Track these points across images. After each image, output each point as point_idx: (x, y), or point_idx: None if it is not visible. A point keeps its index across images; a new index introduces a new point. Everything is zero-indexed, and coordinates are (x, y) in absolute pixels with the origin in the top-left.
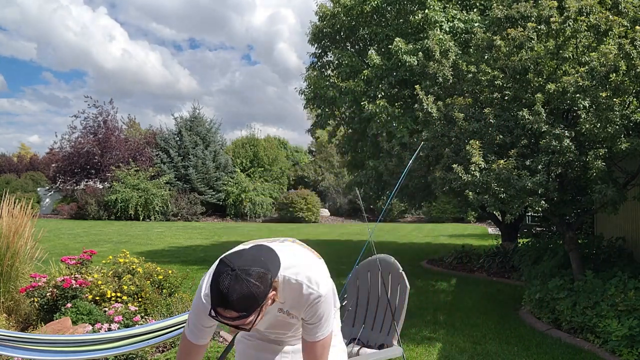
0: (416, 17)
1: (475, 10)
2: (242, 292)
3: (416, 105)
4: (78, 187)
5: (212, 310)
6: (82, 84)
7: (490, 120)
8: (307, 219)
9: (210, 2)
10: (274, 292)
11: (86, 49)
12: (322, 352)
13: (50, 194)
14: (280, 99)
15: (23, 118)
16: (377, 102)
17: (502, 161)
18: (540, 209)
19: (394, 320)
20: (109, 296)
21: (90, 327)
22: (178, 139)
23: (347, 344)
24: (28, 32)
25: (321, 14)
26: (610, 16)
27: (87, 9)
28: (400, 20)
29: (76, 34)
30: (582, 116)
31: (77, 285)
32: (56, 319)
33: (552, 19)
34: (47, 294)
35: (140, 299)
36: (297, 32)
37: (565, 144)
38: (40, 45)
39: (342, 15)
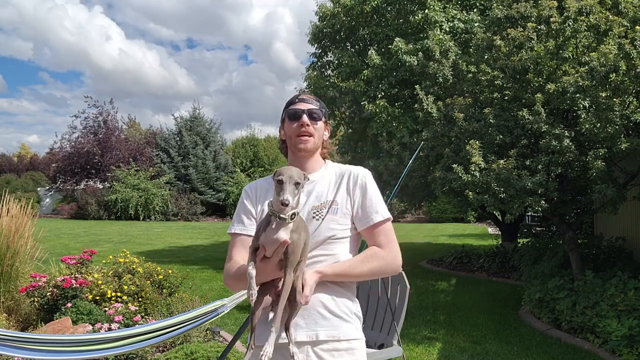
0: (416, 17)
1: (475, 10)
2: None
3: (416, 105)
4: (78, 187)
5: (292, 103)
6: (79, 84)
7: (490, 120)
8: None
9: (207, 2)
10: (327, 133)
11: (84, 49)
12: (389, 241)
13: (50, 193)
14: (279, 99)
15: (22, 118)
16: (377, 102)
17: (502, 161)
18: (540, 209)
19: (394, 320)
20: (109, 296)
21: (91, 327)
22: (178, 139)
23: None
24: (25, 32)
25: (321, 14)
26: (610, 16)
27: (84, 8)
28: (400, 20)
29: (73, 34)
30: (582, 116)
31: (77, 285)
32: (56, 318)
33: (552, 19)
34: (47, 294)
35: (140, 299)
36: (294, 31)
37: (565, 144)
38: (36, 45)
39: (342, 15)
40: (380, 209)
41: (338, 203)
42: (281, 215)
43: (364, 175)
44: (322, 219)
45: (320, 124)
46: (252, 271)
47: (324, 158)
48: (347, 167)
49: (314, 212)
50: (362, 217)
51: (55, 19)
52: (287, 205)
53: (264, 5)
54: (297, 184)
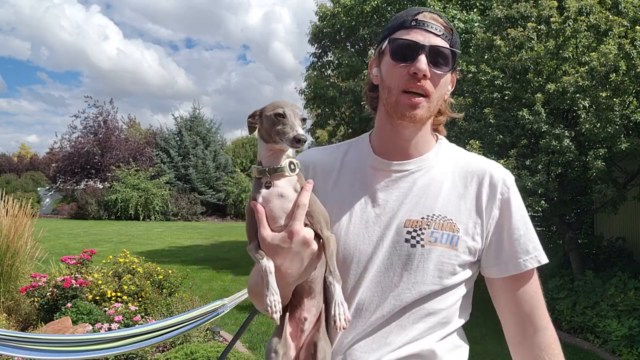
0: None
1: (475, 10)
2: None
3: None
4: (78, 187)
5: (403, 25)
6: (77, 84)
7: (490, 120)
8: None
9: (206, 2)
10: (451, 87)
11: (82, 49)
12: (543, 309)
13: (50, 193)
14: (278, 99)
15: (21, 118)
16: None
17: (502, 161)
18: (540, 209)
19: None
20: (109, 296)
21: (90, 327)
22: (178, 138)
23: None
24: (23, 31)
25: (321, 14)
26: (610, 16)
27: (81, 8)
28: None
29: (71, 34)
30: (582, 116)
31: (77, 285)
32: (56, 318)
33: (552, 19)
34: (47, 294)
35: (140, 299)
36: (292, 31)
37: (565, 144)
38: (34, 45)
39: (342, 15)
40: (531, 247)
41: (460, 228)
42: (285, 166)
43: (505, 183)
44: (423, 247)
45: (447, 74)
46: (269, 263)
47: (435, 130)
48: (479, 162)
49: (407, 232)
50: (502, 256)
51: (52, 19)
52: (303, 141)
53: (262, 5)
54: (303, 119)
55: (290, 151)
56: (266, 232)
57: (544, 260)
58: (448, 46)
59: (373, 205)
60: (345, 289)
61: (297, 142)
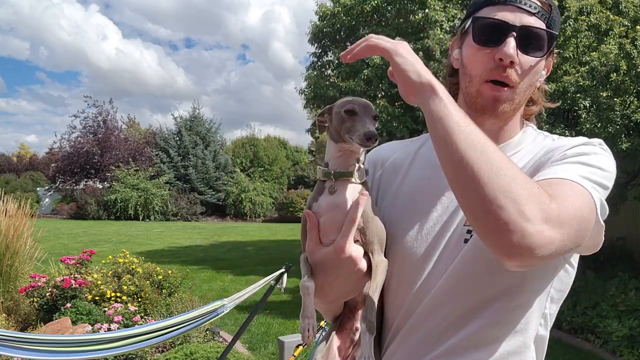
0: (416, 16)
1: None
2: None
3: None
4: (78, 187)
5: (491, 1)
6: (77, 84)
7: None
8: None
9: (205, 1)
10: (545, 72)
11: (81, 49)
12: (563, 195)
13: (49, 193)
14: (277, 99)
15: (20, 118)
16: (377, 101)
17: None
18: None
19: None
20: (108, 296)
21: (90, 327)
22: (178, 138)
23: None
24: (22, 31)
25: (321, 14)
26: (611, 16)
27: (80, 7)
28: (401, 20)
29: (69, 33)
30: (583, 116)
31: (77, 285)
32: (56, 319)
33: None
34: (47, 294)
35: (140, 299)
36: (292, 31)
37: None
38: (33, 45)
39: (342, 14)
40: (561, 170)
41: None
42: (354, 172)
43: (580, 140)
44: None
45: (541, 60)
46: (309, 283)
47: (526, 119)
48: (562, 139)
49: (468, 231)
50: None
51: (51, 18)
52: (375, 139)
53: (262, 5)
54: (375, 117)
55: (361, 155)
56: (313, 246)
57: (573, 179)
58: (544, 26)
59: (438, 203)
60: (400, 294)
61: (367, 139)
